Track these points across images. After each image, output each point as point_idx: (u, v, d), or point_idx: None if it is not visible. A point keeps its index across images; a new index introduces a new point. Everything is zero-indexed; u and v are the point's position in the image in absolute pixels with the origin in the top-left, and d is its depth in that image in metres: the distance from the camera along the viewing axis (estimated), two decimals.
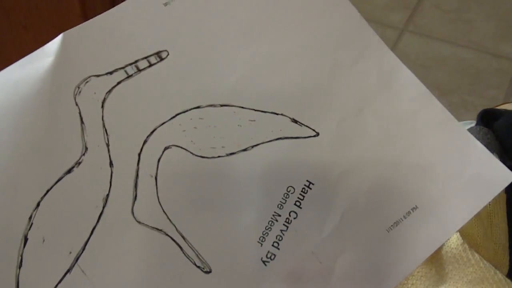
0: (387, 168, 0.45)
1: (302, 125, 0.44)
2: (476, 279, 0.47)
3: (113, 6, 0.44)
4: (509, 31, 1.80)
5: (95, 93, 0.42)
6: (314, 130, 0.44)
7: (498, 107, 0.72)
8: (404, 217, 0.44)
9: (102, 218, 0.41)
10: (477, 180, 0.45)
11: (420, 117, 0.45)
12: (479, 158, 0.45)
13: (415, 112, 0.46)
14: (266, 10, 0.46)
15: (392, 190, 0.44)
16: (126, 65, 0.43)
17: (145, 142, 0.42)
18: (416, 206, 0.44)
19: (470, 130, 0.63)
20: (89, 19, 0.43)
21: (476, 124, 0.66)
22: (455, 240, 0.50)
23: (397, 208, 0.44)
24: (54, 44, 0.42)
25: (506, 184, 0.45)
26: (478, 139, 0.46)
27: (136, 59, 0.43)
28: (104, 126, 0.42)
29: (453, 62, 1.72)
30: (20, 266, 0.39)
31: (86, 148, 0.41)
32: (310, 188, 0.43)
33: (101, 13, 0.43)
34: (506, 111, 0.68)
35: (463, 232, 0.50)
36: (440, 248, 0.48)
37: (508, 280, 0.47)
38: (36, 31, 1.21)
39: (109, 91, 0.42)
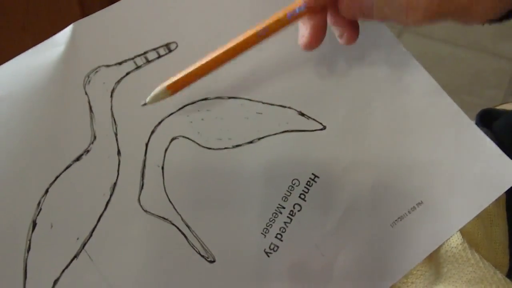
0: (393, 163, 0.45)
1: (310, 118, 0.45)
2: (475, 278, 0.47)
3: None
4: (508, 31, 1.80)
5: (104, 83, 0.42)
6: (321, 123, 0.45)
7: (497, 107, 0.72)
8: (409, 212, 0.44)
9: (109, 205, 0.41)
10: (485, 177, 0.45)
11: (429, 112, 0.46)
12: (488, 154, 0.45)
13: (425, 107, 0.46)
14: (274, 2, 0.46)
15: (397, 185, 0.44)
16: (135, 56, 0.43)
17: (152, 132, 0.43)
18: (421, 201, 0.44)
19: None
20: None
21: (476, 124, 0.66)
22: (455, 239, 0.50)
23: (402, 203, 0.44)
24: (64, 34, 0.42)
25: None
26: None
27: (145, 50, 0.43)
28: (112, 115, 0.42)
29: (452, 62, 1.72)
30: (28, 250, 0.40)
31: (95, 137, 0.42)
32: (315, 182, 0.44)
33: None
34: (505, 111, 0.68)
35: (463, 231, 0.50)
36: (440, 247, 0.48)
37: (508, 280, 0.47)
38: (35, 32, 1.20)
39: (118, 81, 0.43)
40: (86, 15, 0.43)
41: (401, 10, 0.37)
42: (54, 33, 0.43)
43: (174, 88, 0.40)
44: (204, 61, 0.40)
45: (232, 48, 0.39)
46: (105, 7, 0.44)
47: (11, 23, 1.20)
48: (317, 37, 0.40)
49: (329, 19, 0.41)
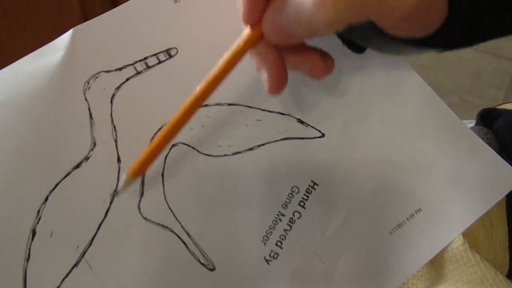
0: (391, 170, 0.45)
1: (308, 126, 0.44)
2: (476, 279, 0.48)
3: (113, 6, 0.44)
4: None
5: (104, 88, 0.42)
6: (320, 131, 0.45)
7: (498, 107, 0.72)
8: (408, 219, 0.44)
9: (109, 213, 0.41)
10: (483, 182, 0.45)
11: (426, 119, 0.46)
12: (485, 160, 0.45)
13: (421, 115, 0.46)
14: None
15: (396, 192, 0.44)
16: (136, 62, 0.43)
17: (152, 138, 0.43)
18: (420, 208, 0.44)
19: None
20: (89, 19, 0.43)
21: (476, 124, 0.66)
22: (456, 240, 0.50)
23: (400, 210, 0.44)
24: (64, 39, 0.42)
25: None
26: None
27: (146, 55, 0.43)
28: (112, 122, 0.42)
29: (453, 62, 1.72)
30: (28, 259, 0.40)
31: (95, 144, 0.41)
32: (314, 189, 0.44)
33: (101, 13, 0.43)
34: (506, 110, 0.68)
35: (464, 231, 0.50)
36: None
37: (508, 281, 0.48)
38: (36, 31, 1.21)
39: (118, 87, 0.43)
40: (86, 15, 0.43)
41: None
42: (55, 33, 0.43)
43: (136, 172, 0.39)
44: (156, 141, 0.38)
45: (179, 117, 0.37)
46: (105, 6, 0.44)
47: (12, 22, 1.20)
48: (278, 79, 0.36)
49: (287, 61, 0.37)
